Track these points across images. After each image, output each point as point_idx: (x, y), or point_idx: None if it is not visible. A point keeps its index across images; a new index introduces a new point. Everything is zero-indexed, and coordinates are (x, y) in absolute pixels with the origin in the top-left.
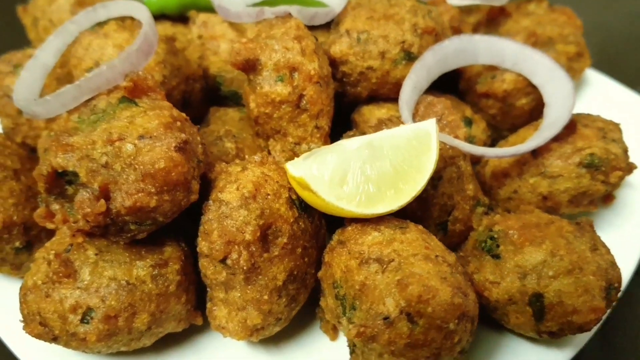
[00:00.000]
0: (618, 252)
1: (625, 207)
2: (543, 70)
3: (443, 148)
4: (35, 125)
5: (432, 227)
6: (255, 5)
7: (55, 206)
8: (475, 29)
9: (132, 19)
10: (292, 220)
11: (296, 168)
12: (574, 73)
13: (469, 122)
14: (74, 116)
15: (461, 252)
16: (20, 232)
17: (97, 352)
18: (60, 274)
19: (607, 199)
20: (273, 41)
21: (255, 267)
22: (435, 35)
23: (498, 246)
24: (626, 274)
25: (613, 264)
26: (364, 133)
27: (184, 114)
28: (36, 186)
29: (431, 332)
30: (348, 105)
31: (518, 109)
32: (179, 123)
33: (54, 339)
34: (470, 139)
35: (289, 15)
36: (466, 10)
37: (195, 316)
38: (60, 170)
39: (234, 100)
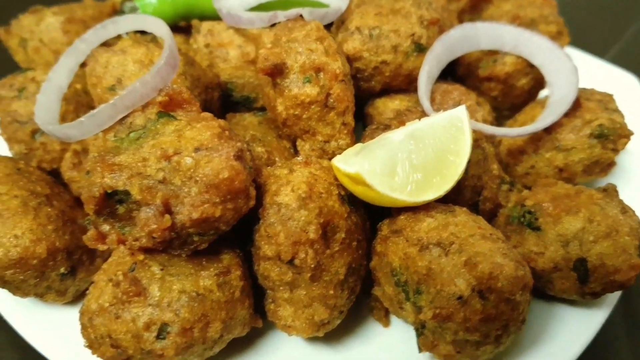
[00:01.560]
0: None
1: (623, 171)
2: (542, 51)
3: None
4: (50, 149)
5: (465, 208)
6: (252, 9)
7: (105, 227)
8: (459, 16)
9: (140, 33)
10: (345, 215)
11: (349, 165)
12: None
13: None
14: (110, 135)
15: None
16: (64, 257)
17: None
18: (131, 293)
19: (609, 165)
20: (296, 44)
21: (319, 264)
22: (439, 26)
23: (537, 219)
24: None
25: None
26: (384, 125)
27: (226, 122)
28: (69, 210)
29: (501, 305)
30: (359, 100)
31: (518, 89)
32: (227, 132)
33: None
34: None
35: (301, 17)
36: None
37: (256, 319)
38: (109, 191)
39: (246, 105)
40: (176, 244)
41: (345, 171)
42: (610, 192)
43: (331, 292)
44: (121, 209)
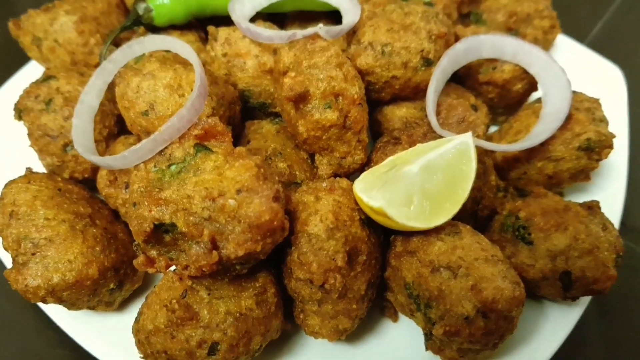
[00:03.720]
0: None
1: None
2: (539, 63)
3: None
4: (81, 160)
5: (466, 217)
6: (263, 10)
7: (153, 253)
8: (459, 7)
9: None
10: (366, 239)
11: (372, 199)
12: (548, 44)
13: (474, 109)
14: (150, 165)
15: (493, 236)
16: (113, 274)
17: None
18: (185, 318)
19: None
20: (317, 70)
21: (345, 285)
22: (446, 40)
23: (530, 234)
24: None
25: (618, 237)
26: (394, 138)
27: (259, 157)
28: (110, 226)
29: (499, 321)
30: (369, 107)
31: (514, 92)
32: (262, 170)
33: None
34: None
35: (317, 35)
36: None
37: (286, 324)
38: (157, 223)
39: (262, 110)
40: (221, 272)
41: (368, 204)
42: (594, 209)
43: (354, 306)
44: (167, 237)
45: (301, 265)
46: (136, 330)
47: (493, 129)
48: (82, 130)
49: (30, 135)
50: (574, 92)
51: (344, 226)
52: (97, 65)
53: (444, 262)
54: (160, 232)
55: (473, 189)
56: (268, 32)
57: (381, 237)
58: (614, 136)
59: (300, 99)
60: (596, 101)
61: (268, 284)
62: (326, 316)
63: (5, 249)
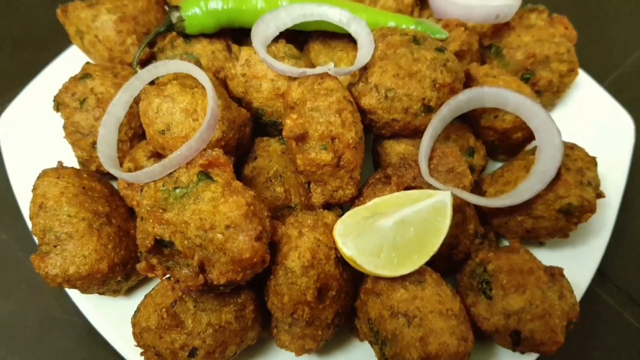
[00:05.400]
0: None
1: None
2: (538, 120)
3: (453, 198)
4: None
5: (439, 260)
6: (287, 29)
7: (154, 261)
8: (481, 39)
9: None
10: (338, 276)
11: (346, 247)
12: (564, 86)
13: (472, 152)
14: (159, 184)
15: (463, 278)
16: (120, 269)
17: None
18: (172, 325)
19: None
20: (318, 114)
21: (312, 316)
22: (450, 88)
23: (491, 290)
24: (583, 285)
25: (573, 305)
26: (385, 176)
27: (252, 192)
28: (124, 224)
29: None
30: (370, 137)
31: (514, 139)
32: (252, 207)
33: None
34: (471, 169)
35: (327, 74)
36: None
37: (263, 333)
38: (158, 238)
39: (273, 127)
40: (206, 290)
41: (342, 250)
42: (556, 276)
43: (319, 332)
44: (166, 251)
45: (276, 293)
46: (133, 324)
47: (496, 165)
48: (106, 140)
49: (65, 127)
50: (575, 147)
51: (319, 264)
52: (131, 64)
53: (402, 310)
54: (161, 245)
55: (450, 236)
56: (282, 66)
57: (355, 271)
58: (603, 196)
59: (300, 138)
60: (591, 160)
61: (248, 301)
62: (295, 336)
63: (34, 234)
